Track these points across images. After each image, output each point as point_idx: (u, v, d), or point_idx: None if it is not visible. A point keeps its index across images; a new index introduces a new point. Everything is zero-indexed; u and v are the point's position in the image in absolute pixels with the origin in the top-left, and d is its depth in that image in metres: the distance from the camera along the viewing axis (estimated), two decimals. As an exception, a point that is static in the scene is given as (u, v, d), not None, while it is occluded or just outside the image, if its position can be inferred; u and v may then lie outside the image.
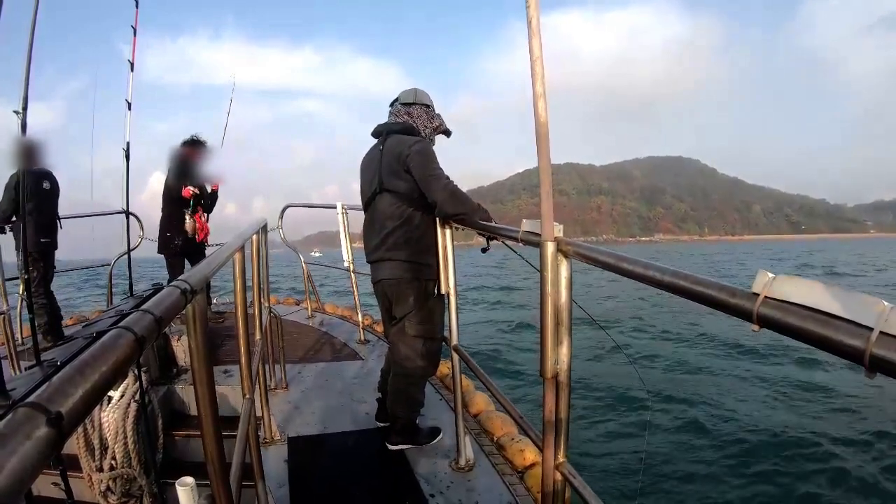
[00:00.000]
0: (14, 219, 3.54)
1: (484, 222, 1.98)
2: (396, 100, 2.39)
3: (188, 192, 4.24)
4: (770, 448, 4.57)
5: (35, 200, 3.61)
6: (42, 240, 3.72)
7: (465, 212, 2.06)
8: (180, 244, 4.28)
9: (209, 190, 4.49)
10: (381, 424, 2.56)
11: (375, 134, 2.37)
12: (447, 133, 2.43)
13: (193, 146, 4.35)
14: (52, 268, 3.91)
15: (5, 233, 3.58)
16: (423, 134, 2.31)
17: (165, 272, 4.49)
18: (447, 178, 2.13)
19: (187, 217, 4.27)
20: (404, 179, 2.19)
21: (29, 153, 3.41)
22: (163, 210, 4.35)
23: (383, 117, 2.42)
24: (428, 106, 2.36)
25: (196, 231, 4.30)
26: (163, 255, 4.39)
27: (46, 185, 3.76)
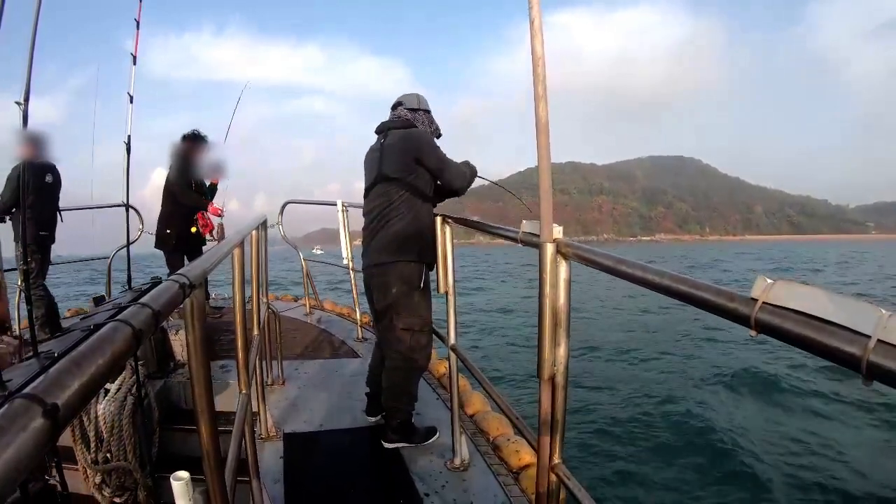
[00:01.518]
0: (14, 210, 3.54)
1: (486, 223, 1.98)
2: (399, 103, 2.48)
3: (216, 211, 4.22)
4: (769, 450, 4.58)
5: (37, 193, 3.60)
6: (41, 233, 3.71)
7: (470, 183, 2.40)
8: (177, 241, 4.21)
9: (208, 184, 4.45)
10: (372, 419, 2.59)
11: (378, 131, 2.47)
12: (439, 135, 2.56)
13: (194, 141, 4.29)
14: (49, 262, 3.90)
15: (5, 222, 3.58)
16: None
17: (165, 268, 4.48)
18: (454, 163, 2.34)
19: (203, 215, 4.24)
20: (404, 168, 2.28)
21: (31, 145, 3.43)
22: (163, 206, 4.28)
23: (384, 116, 2.51)
24: (428, 111, 2.49)
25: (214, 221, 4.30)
26: (161, 251, 4.33)
27: (49, 178, 3.76)
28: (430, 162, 2.28)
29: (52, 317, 3.76)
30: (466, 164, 2.42)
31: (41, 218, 3.70)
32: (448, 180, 2.32)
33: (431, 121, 2.48)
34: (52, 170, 3.79)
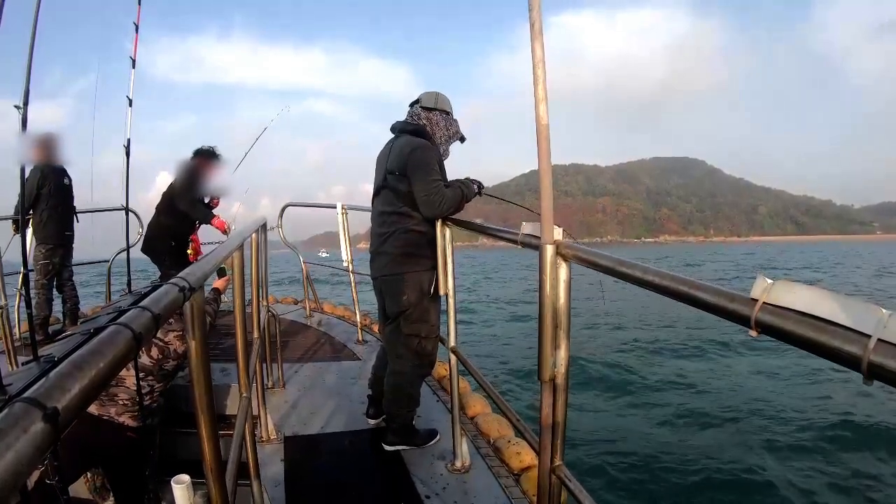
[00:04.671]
0: (32, 211, 3.76)
1: (486, 226, 1.98)
2: (417, 101, 2.39)
3: (222, 225, 4.02)
4: (770, 449, 4.58)
5: (60, 195, 3.90)
6: (66, 233, 4.01)
7: (455, 210, 2.17)
8: (169, 259, 3.97)
9: (207, 200, 4.19)
10: (372, 421, 2.58)
11: (391, 129, 2.40)
12: (462, 139, 2.46)
13: (207, 158, 4.01)
14: (71, 257, 4.17)
15: (27, 226, 3.64)
16: (436, 141, 2.32)
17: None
18: (437, 189, 2.14)
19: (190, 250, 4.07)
20: (401, 180, 2.23)
21: (44, 149, 3.56)
22: (160, 216, 3.99)
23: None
24: (448, 113, 2.37)
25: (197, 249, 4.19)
26: (147, 256, 4.07)
27: (67, 180, 4.01)
28: (413, 179, 2.18)
29: (74, 314, 4.18)
30: (458, 188, 2.21)
31: (64, 217, 3.98)
32: (420, 202, 2.17)
33: (449, 123, 2.37)
34: (67, 173, 4.03)
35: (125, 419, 2.06)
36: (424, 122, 2.32)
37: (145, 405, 2.12)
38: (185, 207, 3.89)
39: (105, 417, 2.02)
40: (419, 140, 2.26)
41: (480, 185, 2.34)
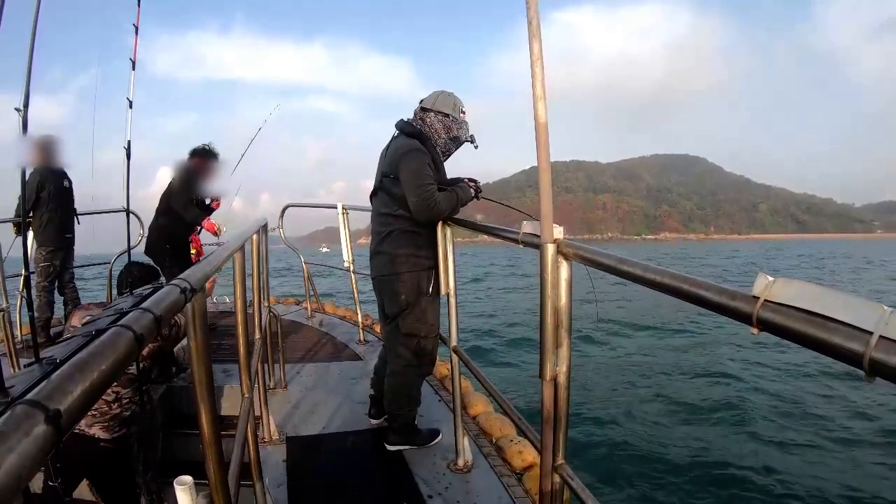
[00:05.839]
0: (32, 214, 3.77)
1: (487, 225, 1.98)
2: (422, 100, 2.36)
3: (212, 227, 3.96)
4: (776, 446, 4.58)
5: (59, 198, 3.90)
6: (66, 235, 4.02)
7: (446, 214, 2.13)
8: (170, 259, 3.94)
9: (208, 202, 4.17)
10: (374, 421, 2.59)
11: (396, 127, 2.35)
12: (473, 143, 2.38)
13: (204, 157, 3.96)
14: (72, 259, 4.19)
15: (28, 230, 3.63)
16: (434, 143, 2.27)
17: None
18: (428, 192, 2.10)
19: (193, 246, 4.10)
20: (396, 183, 2.20)
21: (43, 151, 3.55)
22: (159, 216, 3.99)
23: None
24: (446, 115, 2.27)
25: (198, 248, 4.20)
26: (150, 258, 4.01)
27: (66, 183, 4.01)
28: (404, 184, 2.14)
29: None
30: (453, 191, 2.17)
31: (63, 220, 3.98)
32: (413, 207, 2.12)
33: (447, 126, 2.27)
34: (67, 176, 4.03)
35: (96, 431, 2.01)
36: (419, 123, 2.28)
37: (115, 414, 2.07)
38: (179, 208, 3.87)
39: (76, 431, 1.95)
40: (411, 142, 2.20)
41: (478, 188, 2.29)
